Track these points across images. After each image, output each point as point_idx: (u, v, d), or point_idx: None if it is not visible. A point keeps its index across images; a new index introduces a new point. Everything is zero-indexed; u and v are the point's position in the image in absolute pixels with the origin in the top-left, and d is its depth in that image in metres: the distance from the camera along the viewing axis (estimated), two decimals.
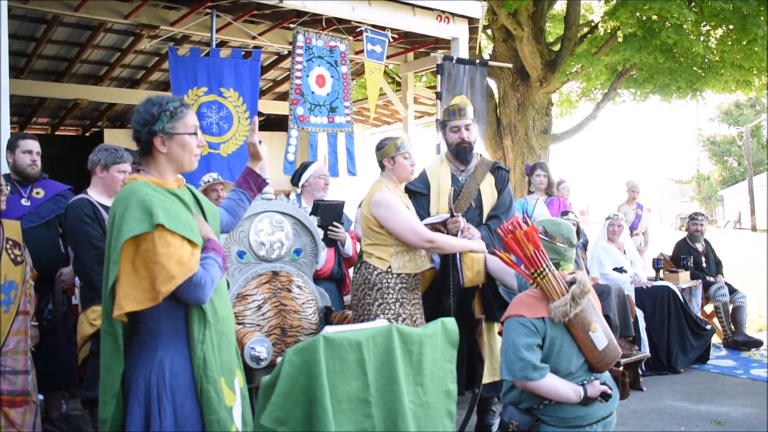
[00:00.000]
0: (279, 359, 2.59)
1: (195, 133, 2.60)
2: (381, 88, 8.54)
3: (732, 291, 7.83)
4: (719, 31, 11.38)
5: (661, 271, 7.45)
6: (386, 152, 4.08)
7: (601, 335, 3.08)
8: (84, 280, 4.17)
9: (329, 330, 2.62)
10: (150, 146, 2.53)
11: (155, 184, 2.47)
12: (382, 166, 4.14)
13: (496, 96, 12.76)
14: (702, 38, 11.04)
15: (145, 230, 2.30)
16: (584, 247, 7.28)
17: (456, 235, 4.15)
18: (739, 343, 7.53)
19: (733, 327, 7.72)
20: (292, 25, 6.71)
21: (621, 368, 3.35)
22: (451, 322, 2.92)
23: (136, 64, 9.84)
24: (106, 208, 4.09)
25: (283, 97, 11.40)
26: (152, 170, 2.55)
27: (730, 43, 11.12)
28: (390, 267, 3.98)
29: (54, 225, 4.66)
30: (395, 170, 4.09)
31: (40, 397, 4.17)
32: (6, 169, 4.64)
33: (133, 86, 10.60)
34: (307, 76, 6.56)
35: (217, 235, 2.68)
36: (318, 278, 4.72)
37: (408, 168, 4.10)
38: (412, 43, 8.69)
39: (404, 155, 4.07)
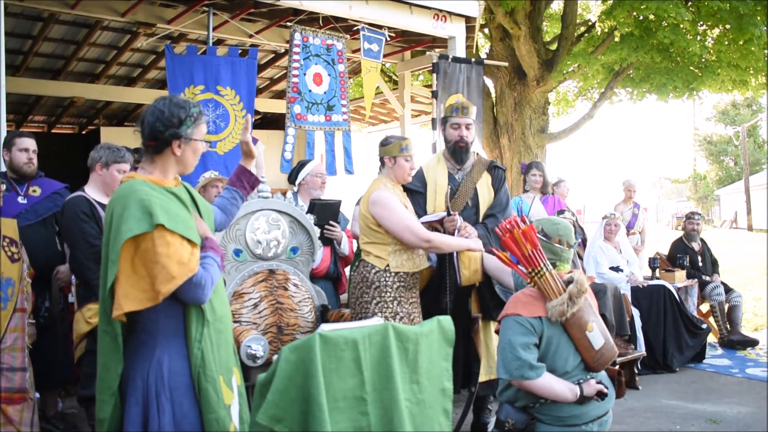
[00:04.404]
0: (275, 357, 2.59)
1: (205, 141, 2.62)
2: (378, 87, 8.54)
3: (728, 290, 7.84)
4: (716, 31, 11.40)
5: (658, 270, 7.45)
6: (389, 150, 4.10)
7: (598, 334, 3.08)
8: (80, 278, 4.16)
9: (325, 328, 2.62)
10: (165, 147, 2.52)
11: (153, 183, 2.47)
12: (383, 163, 4.16)
13: (493, 95, 12.77)
14: (699, 38, 11.06)
15: (144, 230, 2.29)
16: (583, 243, 7.29)
17: (453, 234, 4.16)
18: (735, 342, 7.55)
19: (728, 326, 7.73)
20: (289, 24, 6.71)
21: (617, 367, 3.36)
22: (447, 321, 2.93)
23: (133, 62, 9.82)
24: (103, 205, 4.09)
25: (280, 95, 11.40)
26: (156, 170, 2.54)
27: (726, 42, 11.14)
28: (388, 265, 3.99)
29: (51, 223, 4.66)
30: (394, 170, 4.11)
31: (37, 395, 4.16)
32: (3, 167, 4.64)
33: (129, 84, 10.59)
34: (304, 74, 6.56)
35: (212, 234, 2.68)
36: (314, 277, 4.72)
37: (406, 170, 4.12)
38: (409, 41, 8.69)
39: (406, 158, 4.09)
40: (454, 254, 4.21)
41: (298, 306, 4.24)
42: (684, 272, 7.60)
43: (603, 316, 4.66)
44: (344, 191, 7.03)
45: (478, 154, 4.79)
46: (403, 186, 4.25)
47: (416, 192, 4.51)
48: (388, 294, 3.98)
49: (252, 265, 4.21)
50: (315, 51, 6.65)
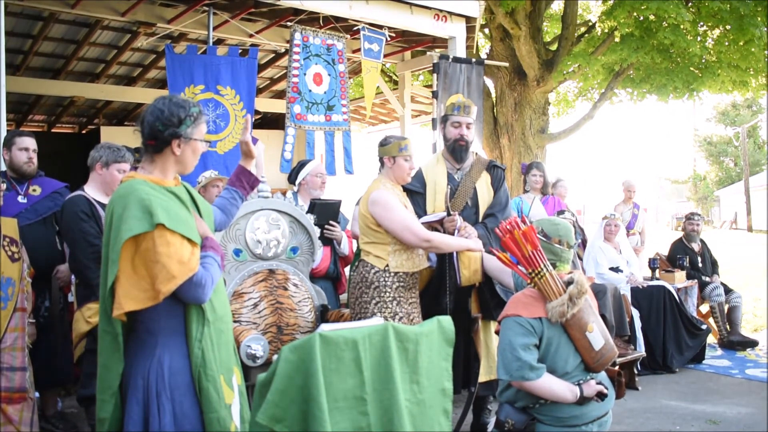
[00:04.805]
0: (275, 357, 2.59)
1: (205, 140, 2.62)
2: (378, 87, 8.54)
3: (727, 291, 7.84)
4: (716, 32, 11.40)
5: (657, 271, 7.46)
6: (388, 150, 4.09)
7: (598, 335, 3.08)
8: (80, 277, 4.17)
9: (325, 328, 2.62)
10: (165, 147, 2.52)
11: (153, 182, 2.47)
12: (382, 163, 4.15)
13: (493, 95, 12.77)
14: (699, 38, 11.05)
15: (145, 230, 2.29)
16: (582, 244, 7.28)
17: (452, 234, 4.16)
18: (735, 343, 7.55)
19: (728, 327, 7.73)
20: (289, 23, 6.71)
21: (617, 368, 3.36)
22: (447, 321, 2.92)
23: (133, 62, 9.83)
24: (102, 205, 4.09)
25: (280, 95, 11.40)
26: (156, 169, 2.54)
27: (727, 43, 11.13)
28: (387, 265, 3.99)
29: (51, 222, 4.66)
30: (393, 170, 4.10)
31: (36, 394, 4.16)
32: (3, 167, 4.64)
33: (129, 84, 10.59)
34: (305, 74, 6.56)
35: (212, 234, 2.68)
36: (314, 277, 4.72)
37: (406, 170, 4.11)
38: (409, 41, 8.69)
39: (405, 157, 4.08)
40: (454, 254, 4.21)
41: (297, 306, 4.24)
42: (684, 273, 7.60)
43: (603, 316, 4.67)
44: (344, 191, 7.03)
45: (477, 153, 4.78)
46: (402, 186, 4.25)
47: (416, 192, 4.51)
48: (388, 294, 3.98)
49: (252, 264, 4.21)
50: (315, 51, 6.65)
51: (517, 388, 3.08)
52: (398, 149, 4.07)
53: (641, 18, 10.56)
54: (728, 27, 10.68)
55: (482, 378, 4.39)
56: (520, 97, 11.98)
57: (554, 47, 12.23)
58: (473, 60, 7.79)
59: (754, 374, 6.47)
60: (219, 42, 8.18)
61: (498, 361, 3.13)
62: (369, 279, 4.01)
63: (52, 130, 13.22)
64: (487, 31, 12.46)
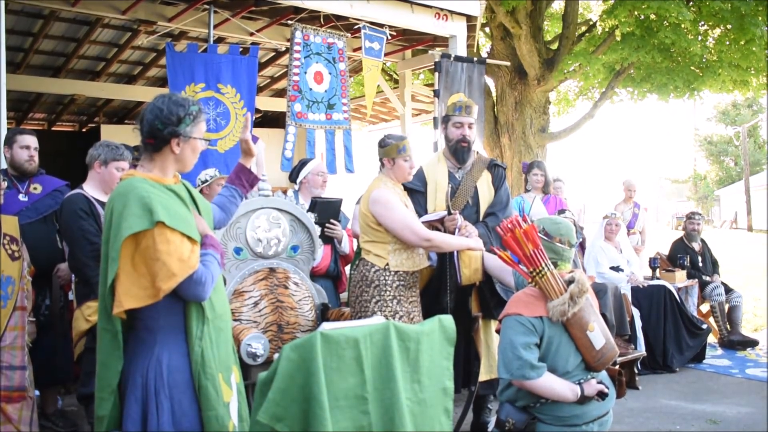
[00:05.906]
0: (276, 356, 2.59)
1: (204, 139, 2.62)
2: (378, 86, 8.53)
3: (728, 290, 7.83)
4: (717, 31, 11.39)
5: (658, 271, 7.45)
6: (388, 152, 4.08)
7: (599, 335, 3.08)
8: (79, 275, 4.16)
9: (326, 327, 2.61)
10: (164, 145, 2.52)
11: (153, 180, 2.47)
12: (382, 164, 4.14)
13: (494, 94, 12.76)
14: (700, 38, 11.05)
15: (145, 227, 2.29)
16: (581, 247, 7.27)
17: (453, 233, 4.16)
18: (735, 343, 7.54)
19: (728, 326, 7.73)
20: (290, 22, 6.70)
21: (617, 367, 3.35)
22: (448, 320, 2.92)
23: (134, 60, 9.82)
24: (101, 203, 4.08)
25: (280, 93, 11.39)
26: (155, 167, 2.54)
27: (727, 42, 11.13)
28: (388, 264, 3.99)
29: (51, 220, 4.65)
30: (393, 171, 4.10)
31: (37, 393, 4.16)
32: (3, 165, 4.63)
33: (130, 82, 10.58)
34: (305, 72, 6.54)
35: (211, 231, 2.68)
36: (314, 275, 4.71)
37: (406, 171, 4.11)
38: (410, 40, 8.69)
39: (405, 158, 4.07)
40: (455, 253, 4.20)
41: (298, 304, 4.23)
42: (684, 272, 7.60)
43: (603, 315, 4.66)
44: (345, 190, 7.02)
45: (478, 152, 4.77)
46: (403, 185, 4.24)
47: (416, 191, 4.50)
48: (388, 293, 3.98)
49: (252, 263, 4.20)
50: (316, 49, 6.64)
51: (517, 387, 3.08)
52: (397, 151, 4.05)
53: (642, 17, 10.56)
54: (729, 26, 10.68)
55: (482, 377, 4.39)
56: (521, 96, 11.98)
57: (555, 46, 12.22)
58: (475, 59, 7.78)
59: (754, 374, 6.47)
60: (219, 40, 8.17)
61: (498, 360, 3.12)
62: (369, 278, 4.01)
63: (53, 129, 13.21)
64: (487, 30, 12.45)
